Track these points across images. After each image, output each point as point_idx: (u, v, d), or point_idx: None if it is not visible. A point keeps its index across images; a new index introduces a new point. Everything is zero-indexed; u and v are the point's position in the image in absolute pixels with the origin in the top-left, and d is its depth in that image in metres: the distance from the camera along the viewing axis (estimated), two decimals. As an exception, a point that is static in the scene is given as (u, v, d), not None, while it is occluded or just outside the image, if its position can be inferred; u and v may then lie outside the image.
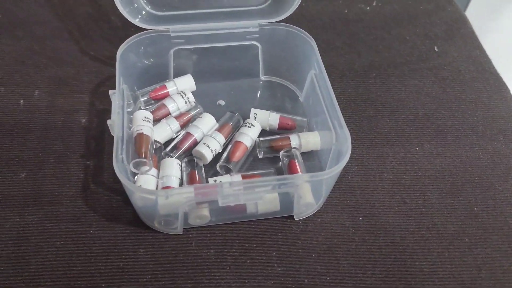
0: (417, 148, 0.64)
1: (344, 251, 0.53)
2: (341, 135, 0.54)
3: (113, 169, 0.57)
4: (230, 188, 0.48)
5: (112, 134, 0.53)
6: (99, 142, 0.62)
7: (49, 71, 0.70)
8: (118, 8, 0.60)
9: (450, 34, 0.81)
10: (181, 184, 0.56)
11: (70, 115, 0.65)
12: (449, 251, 0.54)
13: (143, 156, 0.54)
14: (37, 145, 0.61)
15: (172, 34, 0.63)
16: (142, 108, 0.64)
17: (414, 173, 0.61)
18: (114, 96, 0.55)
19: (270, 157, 0.61)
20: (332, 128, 0.56)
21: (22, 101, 0.66)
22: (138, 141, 0.55)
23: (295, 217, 0.56)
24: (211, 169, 0.59)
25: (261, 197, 0.50)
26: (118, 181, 0.53)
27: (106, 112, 0.65)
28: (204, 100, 0.66)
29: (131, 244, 0.53)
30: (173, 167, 0.56)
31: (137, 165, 0.54)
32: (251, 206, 0.54)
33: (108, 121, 0.53)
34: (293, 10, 0.64)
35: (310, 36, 0.64)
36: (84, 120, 0.64)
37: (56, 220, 0.54)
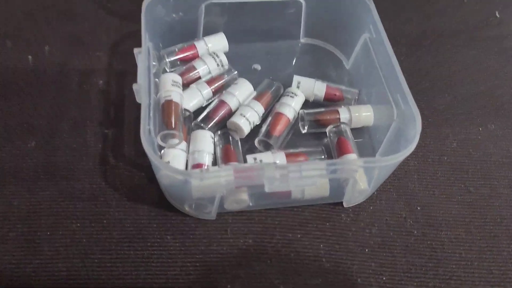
0: (480, 129, 0.56)
1: (401, 246, 0.46)
2: (406, 113, 0.46)
3: (135, 140, 0.50)
4: (276, 172, 0.41)
5: (138, 101, 0.45)
6: (119, 108, 0.54)
7: (62, 26, 0.62)
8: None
9: (513, -1, 0.72)
10: (214, 161, 0.48)
11: (86, 76, 0.57)
12: (519, 250, 0.47)
13: (172, 127, 0.46)
14: (49, 109, 0.53)
15: (204, -17, 0.54)
16: (168, 70, 0.56)
17: (478, 157, 0.54)
18: (140, 55, 0.47)
19: (315, 133, 0.53)
20: (392, 102, 0.48)
21: (30, 57, 0.58)
22: (166, 110, 0.47)
23: (344, 204, 0.48)
24: (247, 143, 0.52)
25: (314, 182, 0.43)
26: (140, 154, 0.48)
27: (126, 74, 0.57)
28: (238, 63, 0.58)
29: (157, 229, 0.46)
30: (206, 141, 0.48)
31: (165, 138, 0.47)
32: (297, 191, 0.46)
33: (134, 86, 0.45)
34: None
35: (369, -4, 0.55)
36: (101, 82, 0.56)
37: (72, 198, 0.47)
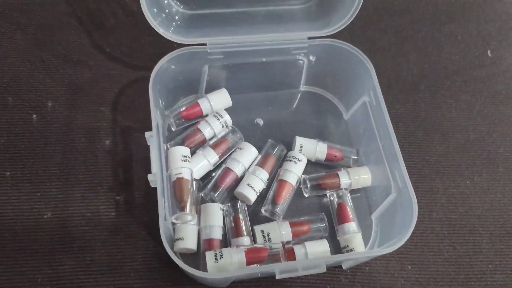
0: (467, 182, 0.60)
1: (393, 306, 0.52)
2: (403, 194, 0.49)
3: (146, 206, 0.53)
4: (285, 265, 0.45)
5: (152, 185, 0.47)
6: (127, 170, 0.56)
7: (61, 74, 0.61)
8: (148, 19, 0.51)
9: (504, 34, 0.73)
10: (224, 232, 0.52)
11: (92, 135, 0.57)
12: (497, 305, 0.53)
13: (186, 209, 0.49)
14: (59, 174, 0.54)
15: (209, 50, 0.54)
16: (173, 129, 0.58)
17: (465, 212, 0.58)
18: (152, 140, 0.48)
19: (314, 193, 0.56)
20: (390, 176, 0.52)
21: (34, 116, 0.58)
22: (178, 189, 0.49)
23: (343, 266, 0.53)
24: (253, 207, 0.55)
25: (323, 269, 0.46)
26: (152, 220, 0.51)
27: (131, 131, 0.58)
28: (240, 116, 0.60)
29: (174, 299, 0.50)
30: (216, 214, 0.51)
31: (178, 218, 0.49)
32: (300, 258, 0.50)
33: (149, 176, 0.47)
34: (346, 24, 0.56)
35: (367, 58, 0.56)
36: (108, 142, 0.57)
37: (91, 272, 0.50)
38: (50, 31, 0.65)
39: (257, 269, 0.46)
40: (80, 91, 0.60)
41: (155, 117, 0.50)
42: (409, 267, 0.54)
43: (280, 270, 0.44)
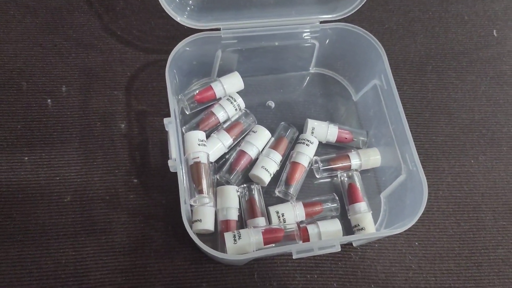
0: (472, 161, 0.62)
1: (401, 280, 0.55)
2: (413, 175, 0.51)
3: (162, 188, 0.55)
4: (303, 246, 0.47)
5: (172, 170, 0.49)
6: (143, 153, 0.57)
7: (75, 61, 0.62)
8: (163, 6, 0.51)
9: (510, 13, 0.74)
10: (240, 213, 0.54)
11: (107, 118, 0.58)
12: (499, 278, 0.56)
13: (203, 192, 0.50)
14: (77, 159, 0.56)
15: (223, 35, 0.55)
16: (187, 112, 0.59)
17: (469, 190, 0.60)
18: (171, 126, 0.49)
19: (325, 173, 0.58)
20: (400, 158, 0.54)
21: (49, 100, 0.59)
22: (196, 172, 0.51)
23: (354, 244, 0.55)
24: (268, 188, 0.57)
25: (338, 248, 0.49)
26: (169, 202, 0.54)
27: (145, 114, 0.59)
28: (252, 99, 0.61)
29: (193, 277, 0.52)
30: (232, 197, 0.53)
31: (196, 201, 0.51)
32: (314, 237, 0.53)
33: (169, 162, 0.48)
34: (358, 7, 0.56)
35: (379, 43, 0.56)
36: (123, 125, 0.58)
37: (113, 253, 0.52)
38: (60, 14, 0.64)
39: (275, 250, 0.48)
40: (93, 75, 0.61)
41: (173, 103, 0.51)
42: (416, 243, 0.57)
43: (297, 250, 0.46)
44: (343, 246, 0.55)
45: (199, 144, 0.52)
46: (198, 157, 0.51)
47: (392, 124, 0.55)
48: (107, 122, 0.58)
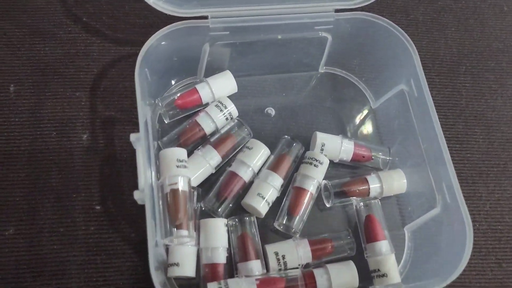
0: (515, 185, 0.51)
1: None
2: (451, 212, 0.40)
3: (132, 217, 0.43)
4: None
5: (140, 203, 0.37)
6: (109, 173, 0.46)
7: (26, 50, 0.50)
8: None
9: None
10: (230, 254, 0.42)
11: (66, 127, 0.47)
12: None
13: (181, 225, 0.39)
14: (25, 179, 0.44)
15: (211, 25, 0.43)
16: (165, 121, 0.47)
17: (511, 221, 0.49)
18: (140, 145, 0.38)
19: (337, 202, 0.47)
20: (435, 188, 0.42)
21: (-8, 103, 0.47)
22: (173, 203, 0.40)
23: (371, 291, 0.45)
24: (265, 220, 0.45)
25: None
26: (141, 236, 0.42)
27: (114, 123, 0.48)
28: (247, 108, 0.50)
29: (169, 336, 0.41)
30: (219, 233, 0.42)
31: (173, 240, 0.40)
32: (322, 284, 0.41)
33: (136, 194, 0.36)
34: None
35: (408, 38, 0.45)
36: (85, 136, 0.47)
37: (66, 304, 0.41)
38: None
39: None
40: (50, 72, 0.50)
41: (143, 112, 0.39)
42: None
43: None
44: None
45: (178, 166, 0.41)
46: (176, 183, 0.40)
47: (424, 142, 0.44)
48: (65, 132, 0.47)
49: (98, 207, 0.44)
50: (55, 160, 0.46)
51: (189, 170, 0.42)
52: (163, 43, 0.43)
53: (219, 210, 0.44)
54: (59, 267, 0.42)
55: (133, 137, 0.38)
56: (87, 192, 0.45)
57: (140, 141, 0.38)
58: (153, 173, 0.40)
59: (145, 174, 0.37)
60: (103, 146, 0.47)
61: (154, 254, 0.35)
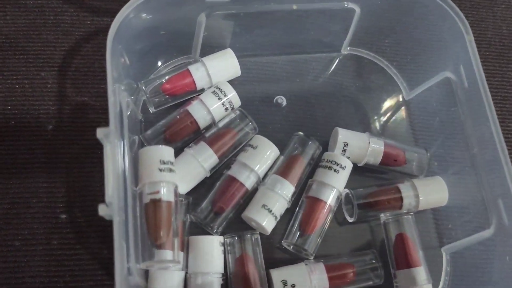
0: None
1: None
2: (507, 236, 0.31)
3: (105, 229, 0.36)
4: None
5: (108, 218, 0.28)
6: (78, 173, 0.37)
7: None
8: None
9: None
10: (226, 280, 0.34)
11: (26, 115, 0.38)
12: None
13: (163, 245, 0.31)
14: (-27, 179, 0.36)
15: (208, -10, 0.34)
16: (151, 110, 0.38)
17: None
18: (108, 142, 0.28)
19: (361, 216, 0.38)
20: (488, 205, 0.33)
21: None
22: (153, 217, 0.31)
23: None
24: (270, 237, 0.36)
25: None
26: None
27: (86, 110, 0.39)
28: (253, 96, 0.41)
29: None
30: (213, 255, 0.33)
31: (153, 264, 0.31)
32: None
33: (101, 209, 0.28)
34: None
35: (460, 13, 0.35)
36: (50, 127, 0.38)
37: None
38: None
39: None
40: (10, 47, 0.41)
41: (116, 100, 0.30)
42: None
43: None
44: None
45: (161, 170, 0.32)
46: (157, 192, 0.31)
47: (475, 145, 0.34)
48: (25, 122, 0.38)
49: (63, 216, 0.36)
50: (11, 157, 0.37)
51: (176, 175, 0.33)
52: (143, 15, 0.34)
53: (214, 224, 0.35)
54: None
55: (100, 132, 0.29)
56: (50, 197, 0.36)
57: (109, 138, 0.29)
58: (128, 178, 0.31)
59: (115, 182, 0.28)
60: (71, 139, 0.38)
61: (122, 281, 0.27)
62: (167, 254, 0.31)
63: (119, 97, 0.32)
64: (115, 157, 0.29)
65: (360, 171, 0.39)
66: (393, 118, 0.42)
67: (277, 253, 0.37)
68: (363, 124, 0.41)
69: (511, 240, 0.32)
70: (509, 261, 0.32)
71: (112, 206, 0.28)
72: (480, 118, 0.34)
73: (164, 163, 0.32)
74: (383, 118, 0.42)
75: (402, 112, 0.43)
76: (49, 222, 0.36)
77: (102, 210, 0.27)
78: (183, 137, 0.37)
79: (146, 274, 0.33)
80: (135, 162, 0.33)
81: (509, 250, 0.32)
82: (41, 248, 0.35)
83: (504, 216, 0.32)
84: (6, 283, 0.34)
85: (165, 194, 0.32)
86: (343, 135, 0.38)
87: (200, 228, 0.36)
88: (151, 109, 0.38)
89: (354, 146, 0.38)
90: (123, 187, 0.30)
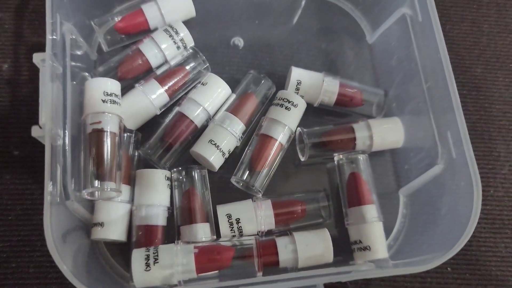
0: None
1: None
2: (457, 170, 0.31)
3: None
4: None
5: (42, 141, 0.29)
6: (33, 109, 0.37)
7: None
8: None
9: None
10: (172, 214, 0.34)
11: (-19, 55, 0.38)
12: None
13: (105, 175, 0.31)
14: None
15: None
16: (104, 49, 0.38)
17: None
18: (44, 67, 0.28)
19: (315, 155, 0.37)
20: (437, 140, 0.33)
21: None
22: (96, 147, 0.31)
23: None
24: (218, 174, 0.36)
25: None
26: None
27: (42, 50, 0.39)
28: (208, 36, 0.41)
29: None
30: (159, 188, 0.33)
31: (95, 193, 0.31)
32: (286, 261, 0.33)
33: (34, 130, 0.28)
34: None
35: None
36: (6, 66, 0.38)
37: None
38: None
39: (209, 285, 0.28)
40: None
41: (55, 28, 0.30)
42: (448, 268, 0.37)
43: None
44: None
45: (104, 101, 0.32)
46: (99, 122, 0.31)
47: (427, 80, 0.34)
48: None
49: (16, 152, 0.36)
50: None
51: (120, 107, 0.33)
52: None
53: (162, 159, 0.35)
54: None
55: (36, 57, 0.29)
56: (2, 135, 0.36)
57: (44, 60, 0.28)
58: (73, 109, 0.31)
59: (51, 106, 0.28)
60: (27, 78, 0.38)
61: (51, 211, 0.27)
62: (109, 184, 0.31)
63: (60, 28, 0.31)
64: (50, 82, 0.29)
65: (319, 113, 0.39)
66: (356, 61, 0.41)
67: (228, 192, 0.36)
68: (323, 68, 0.40)
69: (458, 173, 0.31)
70: (457, 194, 0.32)
71: (45, 128, 0.28)
72: (431, 51, 0.33)
73: (108, 94, 0.32)
74: (346, 61, 0.41)
75: (366, 56, 0.41)
76: (2, 156, 0.36)
77: (35, 131, 0.27)
78: (135, 74, 0.37)
79: (92, 208, 0.33)
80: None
81: (456, 182, 0.31)
82: (-6, 183, 0.36)
83: (452, 149, 0.32)
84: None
85: (108, 125, 0.32)
86: (296, 73, 0.37)
87: (148, 164, 0.35)
88: (105, 48, 0.38)
89: (308, 85, 0.37)
90: (62, 114, 0.30)
